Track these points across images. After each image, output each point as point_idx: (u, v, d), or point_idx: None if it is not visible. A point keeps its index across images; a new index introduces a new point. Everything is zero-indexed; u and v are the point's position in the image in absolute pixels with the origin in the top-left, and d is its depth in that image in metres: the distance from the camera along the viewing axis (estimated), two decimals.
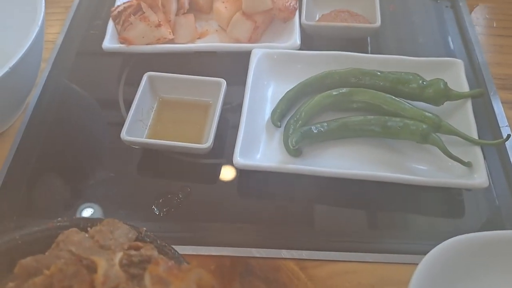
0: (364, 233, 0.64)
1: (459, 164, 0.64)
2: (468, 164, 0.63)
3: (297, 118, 0.70)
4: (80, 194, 0.70)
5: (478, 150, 0.64)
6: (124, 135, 0.68)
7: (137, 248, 0.41)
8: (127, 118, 0.70)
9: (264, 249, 0.61)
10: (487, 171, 0.62)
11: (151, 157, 0.73)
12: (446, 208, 0.65)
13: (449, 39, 0.86)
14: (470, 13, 0.90)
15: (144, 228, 0.47)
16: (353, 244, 0.62)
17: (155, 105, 0.76)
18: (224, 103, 0.73)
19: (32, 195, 0.70)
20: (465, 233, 0.54)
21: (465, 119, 0.68)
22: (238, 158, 0.65)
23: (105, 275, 0.33)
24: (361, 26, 0.83)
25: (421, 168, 0.66)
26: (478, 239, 0.55)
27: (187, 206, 0.67)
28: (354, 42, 0.84)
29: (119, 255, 0.35)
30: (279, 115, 0.72)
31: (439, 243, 0.53)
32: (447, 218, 0.65)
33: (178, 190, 0.69)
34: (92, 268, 0.36)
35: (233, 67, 0.80)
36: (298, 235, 0.64)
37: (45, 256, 0.39)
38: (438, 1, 0.93)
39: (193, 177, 0.71)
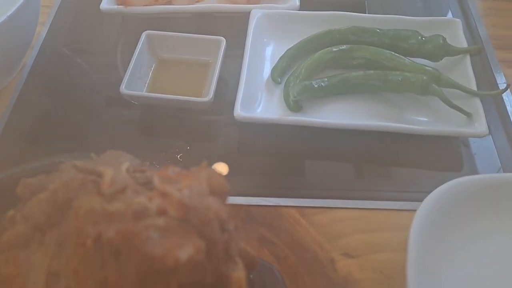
0: (364, 182, 0.64)
1: (458, 116, 0.64)
2: (468, 114, 0.63)
3: (297, 75, 0.70)
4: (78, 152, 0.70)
5: (477, 101, 0.65)
6: (123, 89, 0.68)
7: (142, 171, 0.40)
8: (125, 74, 0.70)
9: (265, 198, 0.61)
10: (486, 121, 0.62)
11: (150, 115, 0.73)
12: (445, 159, 0.66)
13: (447, 1, 0.87)
14: None
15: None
16: (353, 192, 0.62)
17: (154, 64, 0.76)
18: (223, 62, 0.73)
19: (28, 155, 0.69)
20: None
21: (464, 74, 0.69)
22: (239, 111, 0.65)
23: (112, 179, 0.32)
24: None
25: (421, 120, 0.66)
26: (478, 181, 0.56)
27: (187, 162, 0.67)
28: (352, 5, 0.84)
29: (125, 164, 0.35)
30: (280, 72, 0.72)
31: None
32: (446, 169, 0.65)
33: (177, 147, 0.68)
34: (98, 183, 0.35)
35: (232, 29, 0.80)
36: (298, 185, 0.64)
37: (48, 176, 0.39)
38: None
39: (193, 134, 0.71)
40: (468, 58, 0.70)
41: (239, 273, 0.32)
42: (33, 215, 0.37)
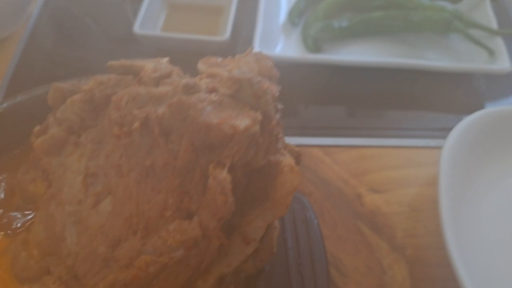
0: (387, 121, 0.63)
1: (479, 57, 0.63)
2: (491, 51, 0.62)
3: (315, 16, 0.68)
4: None
5: (499, 40, 0.64)
6: (137, 29, 0.65)
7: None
8: (138, 16, 0.67)
9: (286, 137, 0.60)
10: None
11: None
12: (467, 98, 0.65)
13: None
14: None
15: None
16: (377, 131, 0.61)
17: (166, 10, 0.74)
18: (238, 6, 0.70)
19: None
20: None
21: (484, 15, 0.68)
22: (258, 49, 0.63)
23: (154, 67, 0.30)
24: None
25: (443, 60, 0.65)
26: (507, 113, 0.55)
27: None
28: None
29: (166, 58, 0.33)
30: (297, 13, 0.70)
31: None
32: (468, 108, 0.64)
33: None
34: (138, 76, 0.33)
35: None
36: (320, 123, 0.62)
37: (80, 81, 0.37)
38: None
39: None
40: (487, 1, 0.69)
41: (289, 159, 0.31)
42: (67, 118, 0.35)
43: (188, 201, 0.29)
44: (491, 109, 0.55)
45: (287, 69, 0.65)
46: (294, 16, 0.70)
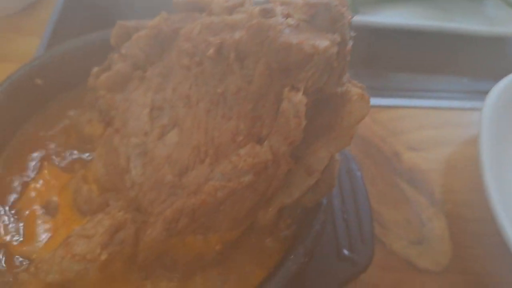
0: (424, 83, 0.63)
1: None
2: None
3: None
4: None
5: None
6: None
7: None
8: None
9: None
10: None
11: None
12: (502, 63, 0.65)
13: None
14: None
15: None
16: (413, 93, 0.62)
17: None
18: None
19: None
20: None
21: None
22: None
23: None
24: None
25: (479, 25, 0.65)
26: None
27: None
28: None
29: None
30: None
31: None
32: (503, 73, 0.65)
33: None
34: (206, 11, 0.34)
35: None
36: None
37: (144, 20, 0.38)
38: None
39: None
40: None
41: (358, 89, 0.31)
42: (132, 54, 0.36)
43: (260, 126, 0.30)
44: None
45: None
46: None
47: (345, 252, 0.45)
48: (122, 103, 0.37)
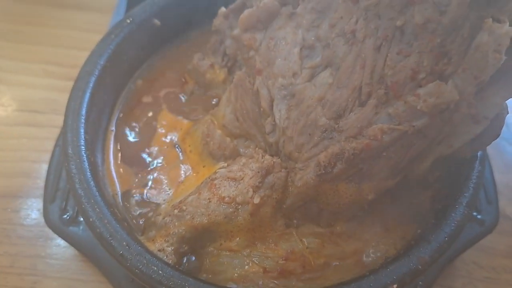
0: None
1: None
2: None
3: None
4: None
5: None
6: None
7: None
8: None
9: None
10: None
11: None
12: None
13: None
14: None
15: None
16: None
17: None
18: None
19: None
20: None
21: None
22: None
23: None
24: None
25: None
26: None
27: None
28: None
29: None
30: None
31: None
32: None
33: None
34: None
35: None
36: None
37: None
38: None
39: None
40: None
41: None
42: None
43: (445, 63, 0.28)
44: None
45: None
46: None
47: (474, 213, 0.42)
48: (267, 41, 0.34)
